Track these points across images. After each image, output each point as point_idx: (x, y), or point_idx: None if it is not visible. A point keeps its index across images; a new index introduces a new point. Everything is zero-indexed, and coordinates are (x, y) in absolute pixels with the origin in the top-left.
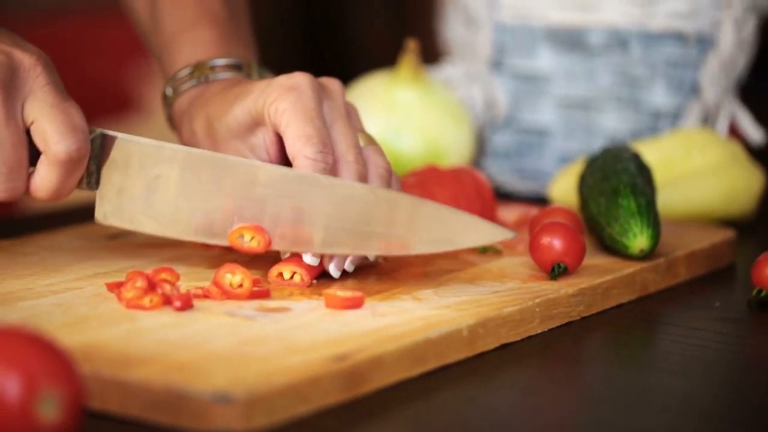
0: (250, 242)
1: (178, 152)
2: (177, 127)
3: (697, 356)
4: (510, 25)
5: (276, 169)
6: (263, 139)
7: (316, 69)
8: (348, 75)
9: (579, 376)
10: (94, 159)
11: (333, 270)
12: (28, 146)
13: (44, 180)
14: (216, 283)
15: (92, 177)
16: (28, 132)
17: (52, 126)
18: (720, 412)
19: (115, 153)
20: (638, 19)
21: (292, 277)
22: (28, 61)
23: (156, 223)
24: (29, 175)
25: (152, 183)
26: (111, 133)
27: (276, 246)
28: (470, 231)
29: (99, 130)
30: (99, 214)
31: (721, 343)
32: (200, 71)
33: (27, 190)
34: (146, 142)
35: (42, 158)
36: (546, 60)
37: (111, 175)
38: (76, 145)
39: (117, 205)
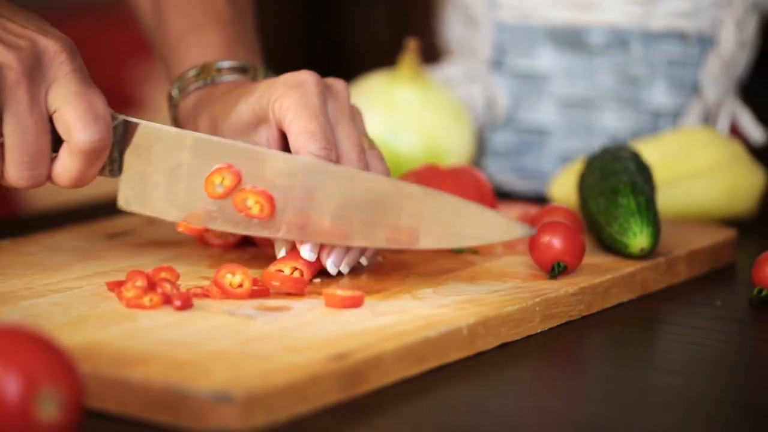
0: (253, 207)
1: (199, 140)
2: (182, 128)
3: (698, 355)
4: (510, 25)
5: (294, 158)
6: (266, 137)
7: (316, 68)
8: (348, 74)
9: (579, 376)
10: (116, 146)
11: (330, 265)
12: (51, 134)
13: (66, 168)
14: (216, 283)
15: (115, 164)
16: (50, 119)
17: (75, 115)
18: (721, 411)
19: (138, 140)
20: (639, 18)
21: (292, 273)
22: (53, 47)
23: (177, 210)
24: (51, 162)
25: (174, 170)
26: (134, 119)
27: (284, 233)
28: (486, 227)
29: (121, 117)
30: (121, 200)
31: (722, 343)
32: (206, 73)
33: (49, 177)
34: (169, 130)
35: (64, 146)
36: (546, 59)
37: (134, 161)
38: (99, 135)
39: (139, 191)
